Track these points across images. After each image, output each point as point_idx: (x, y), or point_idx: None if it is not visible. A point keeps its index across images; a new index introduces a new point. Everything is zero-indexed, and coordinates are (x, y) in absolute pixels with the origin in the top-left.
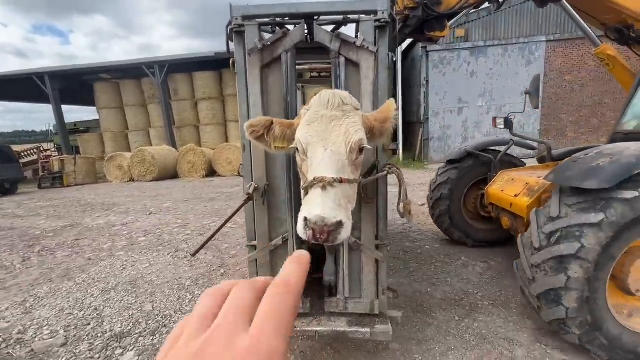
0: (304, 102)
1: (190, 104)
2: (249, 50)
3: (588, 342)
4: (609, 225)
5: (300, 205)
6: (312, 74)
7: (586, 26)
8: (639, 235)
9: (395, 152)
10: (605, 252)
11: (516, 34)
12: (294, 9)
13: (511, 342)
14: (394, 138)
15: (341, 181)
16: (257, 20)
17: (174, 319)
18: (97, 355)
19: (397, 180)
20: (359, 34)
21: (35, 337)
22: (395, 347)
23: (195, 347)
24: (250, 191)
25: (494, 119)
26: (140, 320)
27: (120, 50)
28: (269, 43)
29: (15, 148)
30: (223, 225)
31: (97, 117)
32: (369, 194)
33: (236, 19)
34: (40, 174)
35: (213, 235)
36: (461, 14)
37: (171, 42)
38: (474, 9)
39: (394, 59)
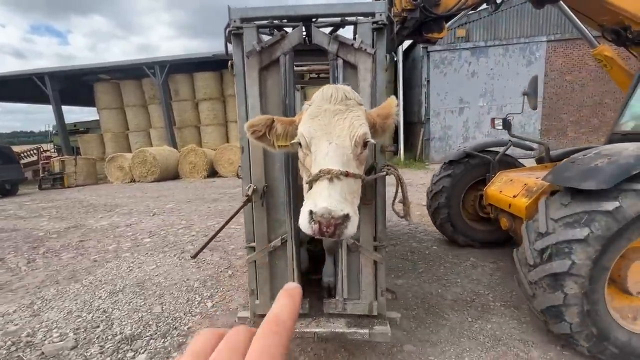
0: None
1: (191, 104)
2: (247, 52)
3: (599, 352)
4: (595, 239)
5: (299, 206)
6: (311, 75)
7: (583, 27)
8: (628, 241)
9: (396, 153)
10: (597, 265)
11: (517, 34)
12: (292, 11)
13: (526, 344)
14: (395, 139)
15: (347, 175)
16: (255, 22)
17: (184, 321)
18: (109, 358)
19: (396, 181)
20: (356, 36)
21: (44, 340)
22: (410, 349)
23: None
24: (249, 193)
25: (492, 119)
26: (150, 323)
27: (119, 51)
28: (267, 45)
29: (15, 149)
30: (222, 227)
31: (97, 118)
32: (368, 195)
33: (234, 21)
34: (41, 175)
35: (213, 237)
36: (459, 16)
37: (170, 42)
38: (471, 10)
39: (395, 59)
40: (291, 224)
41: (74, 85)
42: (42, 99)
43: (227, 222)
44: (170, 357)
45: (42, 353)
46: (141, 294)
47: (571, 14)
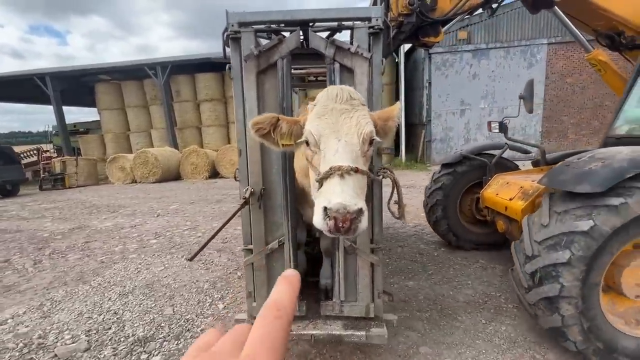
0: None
1: (192, 105)
2: (245, 56)
3: None
4: (578, 260)
5: (295, 209)
6: (309, 79)
7: (578, 32)
8: (611, 255)
9: (397, 154)
10: (586, 284)
11: (518, 37)
12: (289, 15)
13: (542, 346)
14: (396, 140)
15: (357, 170)
16: (253, 26)
17: (196, 323)
18: None
19: (392, 184)
20: (353, 40)
21: (56, 342)
22: (426, 351)
23: None
24: (247, 195)
25: (489, 123)
26: (162, 325)
27: (118, 51)
28: (264, 49)
29: (14, 149)
30: (219, 230)
31: (96, 118)
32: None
33: (232, 25)
34: (42, 176)
35: (209, 240)
36: (455, 20)
37: (169, 43)
38: (467, 15)
39: (397, 61)
40: (288, 226)
41: (74, 85)
42: (42, 99)
43: (224, 225)
44: None
45: (55, 355)
46: (151, 296)
47: (566, 19)
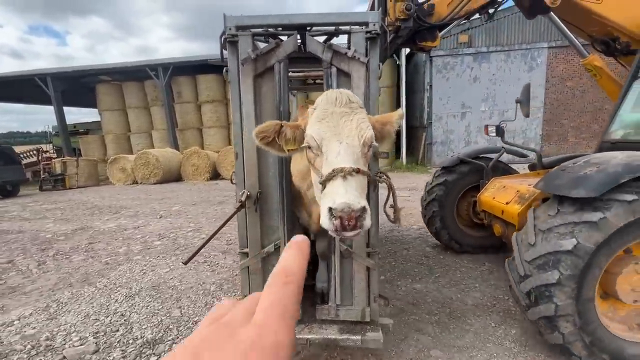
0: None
1: (193, 106)
2: (242, 60)
3: None
4: (567, 279)
5: (291, 213)
6: (308, 82)
7: (573, 37)
8: (600, 270)
9: (398, 157)
10: (580, 300)
11: (518, 41)
12: (287, 19)
13: (552, 349)
14: (397, 143)
15: (358, 171)
16: (250, 30)
17: None
18: None
19: (388, 189)
20: (350, 44)
21: (64, 344)
22: (437, 355)
23: (199, 338)
24: (243, 199)
25: (486, 126)
26: (170, 327)
27: (117, 52)
28: (262, 53)
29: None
30: (214, 234)
31: (96, 119)
32: None
33: (230, 28)
34: (42, 176)
35: (204, 244)
36: (453, 24)
37: (168, 44)
38: (464, 19)
39: (398, 63)
40: (284, 230)
41: (75, 86)
42: (43, 99)
43: (219, 229)
44: None
45: (64, 357)
46: (158, 298)
47: (561, 24)
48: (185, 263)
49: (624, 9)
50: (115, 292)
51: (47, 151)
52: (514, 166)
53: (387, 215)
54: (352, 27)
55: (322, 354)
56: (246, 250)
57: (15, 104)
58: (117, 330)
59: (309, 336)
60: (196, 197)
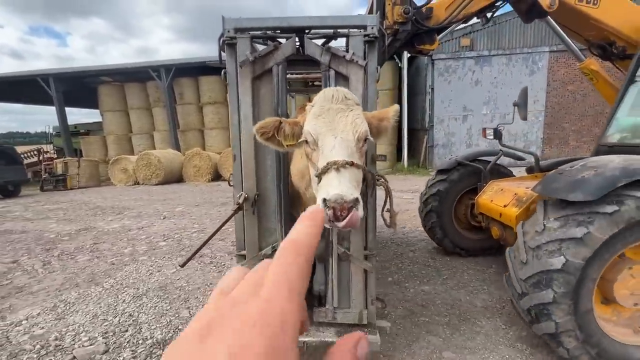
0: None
1: (195, 107)
2: (240, 62)
3: None
4: (563, 297)
5: (289, 215)
6: (308, 84)
7: (570, 42)
8: (593, 282)
9: (400, 159)
10: (578, 314)
11: (520, 44)
12: (285, 22)
13: None
14: (398, 145)
15: (352, 164)
16: (249, 32)
17: None
18: None
19: (385, 193)
20: (348, 48)
21: (74, 344)
22: (449, 356)
23: (207, 314)
24: (240, 201)
25: (484, 129)
26: (179, 327)
27: (117, 54)
28: (260, 55)
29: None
30: (212, 237)
31: (97, 120)
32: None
33: (228, 31)
34: (43, 176)
35: (201, 247)
36: (452, 28)
37: (169, 46)
38: (462, 23)
39: (400, 66)
40: (282, 232)
41: (76, 87)
42: (44, 100)
43: (216, 231)
44: None
45: (74, 357)
46: (166, 298)
47: (559, 29)
48: (182, 266)
49: (620, 14)
50: (123, 293)
51: (47, 151)
52: (512, 169)
53: (384, 220)
54: (351, 30)
55: (320, 358)
56: (243, 252)
57: (15, 104)
58: (126, 331)
59: (306, 339)
60: (199, 198)
